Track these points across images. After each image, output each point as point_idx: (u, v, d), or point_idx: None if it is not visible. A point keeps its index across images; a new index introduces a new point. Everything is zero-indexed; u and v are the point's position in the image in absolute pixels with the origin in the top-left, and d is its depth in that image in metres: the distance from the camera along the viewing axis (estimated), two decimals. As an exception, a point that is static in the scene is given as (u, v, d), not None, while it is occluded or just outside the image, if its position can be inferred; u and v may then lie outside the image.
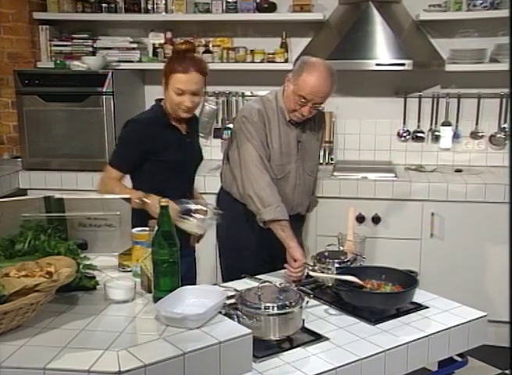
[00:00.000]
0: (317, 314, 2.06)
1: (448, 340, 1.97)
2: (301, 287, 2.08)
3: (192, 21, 4.19)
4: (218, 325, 1.60)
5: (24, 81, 3.89)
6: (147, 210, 2.29)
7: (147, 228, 1.95)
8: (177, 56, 2.43)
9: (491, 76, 3.90)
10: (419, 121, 4.15)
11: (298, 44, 4.07)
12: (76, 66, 3.99)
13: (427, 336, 1.92)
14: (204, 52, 4.13)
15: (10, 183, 3.82)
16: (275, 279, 2.21)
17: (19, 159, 4.05)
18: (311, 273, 2.31)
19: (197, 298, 1.72)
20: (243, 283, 2.25)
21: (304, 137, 2.70)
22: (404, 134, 4.18)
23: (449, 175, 3.83)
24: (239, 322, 1.75)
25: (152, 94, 4.34)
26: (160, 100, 2.54)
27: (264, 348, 1.79)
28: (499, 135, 4.07)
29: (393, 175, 3.76)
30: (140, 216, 2.15)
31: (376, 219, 3.66)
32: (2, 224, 1.87)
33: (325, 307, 2.13)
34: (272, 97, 2.66)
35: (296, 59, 3.13)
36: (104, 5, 4.13)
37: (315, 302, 2.13)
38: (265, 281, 2.00)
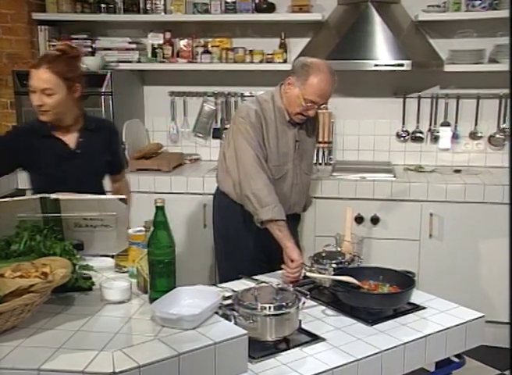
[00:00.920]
0: (314, 315, 2.06)
1: (445, 341, 1.97)
2: (298, 288, 2.06)
3: (191, 21, 4.18)
4: (213, 326, 1.59)
5: (23, 82, 3.85)
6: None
7: (143, 228, 1.94)
8: (46, 55, 2.36)
9: (490, 77, 3.89)
10: (418, 121, 4.14)
11: (297, 45, 4.07)
12: (75, 66, 3.99)
13: (424, 337, 1.91)
14: (203, 53, 4.13)
15: (9, 184, 3.81)
16: (272, 279, 2.21)
17: (18, 160, 4.04)
18: (308, 274, 2.30)
19: (193, 298, 1.72)
20: (240, 284, 2.24)
21: (301, 137, 2.71)
22: (403, 135, 4.18)
23: (448, 175, 3.83)
24: (235, 323, 1.74)
25: (151, 94, 4.38)
26: None
27: (260, 349, 1.79)
28: (498, 136, 4.07)
29: (392, 175, 3.76)
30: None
31: (375, 220, 3.66)
32: (-2, 224, 1.86)
33: (322, 308, 2.12)
34: (268, 97, 2.66)
35: (295, 60, 3.12)
36: (103, 5, 4.12)
37: (312, 303, 2.12)
38: (262, 282, 2.00)
